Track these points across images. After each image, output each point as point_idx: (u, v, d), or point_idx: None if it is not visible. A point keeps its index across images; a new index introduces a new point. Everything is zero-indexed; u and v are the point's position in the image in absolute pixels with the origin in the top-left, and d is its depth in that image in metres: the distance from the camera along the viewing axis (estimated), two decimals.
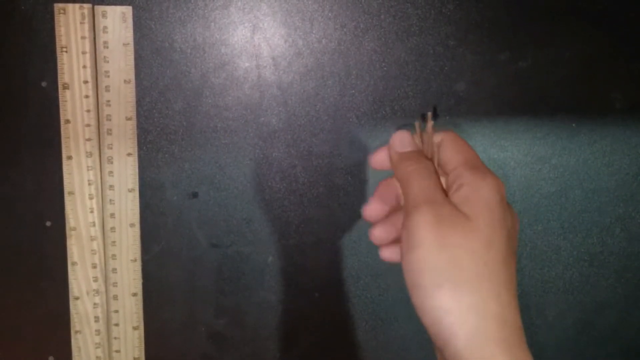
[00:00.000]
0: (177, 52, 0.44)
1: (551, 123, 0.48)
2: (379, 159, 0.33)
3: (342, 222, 0.48)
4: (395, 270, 0.49)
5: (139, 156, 0.45)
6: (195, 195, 0.46)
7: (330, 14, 0.45)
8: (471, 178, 0.29)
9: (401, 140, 0.32)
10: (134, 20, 0.43)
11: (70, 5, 0.43)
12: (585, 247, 0.50)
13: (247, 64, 0.45)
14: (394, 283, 0.49)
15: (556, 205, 0.49)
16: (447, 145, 0.31)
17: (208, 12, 0.44)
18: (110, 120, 0.44)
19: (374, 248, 0.48)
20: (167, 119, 0.45)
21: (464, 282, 0.26)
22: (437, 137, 0.32)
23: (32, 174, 0.45)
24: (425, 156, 0.32)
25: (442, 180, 0.32)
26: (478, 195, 0.28)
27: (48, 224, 0.46)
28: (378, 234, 0.34)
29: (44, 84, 0.44)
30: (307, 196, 0.47)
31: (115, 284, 0.46)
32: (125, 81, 0.44)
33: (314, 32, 0.45)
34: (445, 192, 0.29)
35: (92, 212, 0.45)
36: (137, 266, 0.46)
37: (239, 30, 0.44)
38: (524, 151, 0.48)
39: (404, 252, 0.28)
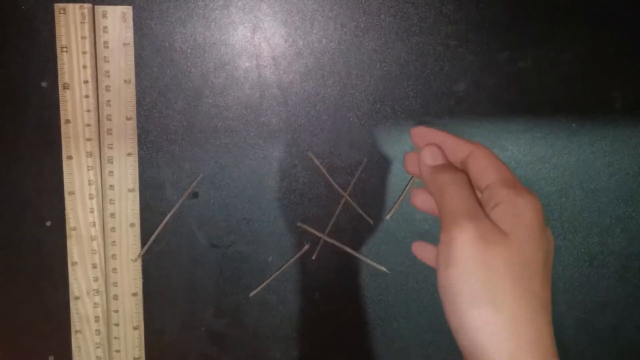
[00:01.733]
0: (177, 52, 0.44)
1: (551, 123, 0.48)
2: (410, 163, 0.33)
3: (342, 222, 0.48)
4: (395, 270, 0.49)
5: (139, 156, 0.45)
6: (195, 195, 0.46)
7: (330, 14, 0.45)
8: (509, 196, 0.28)
9: (432, 153, 0.31)
10: (134, 20, 0.43)
11: (70, 5, 0.43)
12: (585, 247, 0.50)
13: (247, 64, 0.45)
14: (394, 283, 0.49)
15: (556, 205, 0.49)
16: (478, 160, 0.30)
17: (208, 12, 0.44)
18: (110, 120, 0.44)
19: (374, 248, 0.48)
20: (168, 118, 0.45)
21: (503, 304, 0.25)
22: (465, 149, 0.31)
23: (32, 174, 0.45)
24: (458, 168, 0.31)
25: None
26: (517, 214, 0.27)
27: (48, 224, 0.46)
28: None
29: (44, 84, 0.44)
30: (307, 196, 0.47)
31: (115, 284, 0.46)
32: (125, 81, 0.44)
33: (314, 32, 0.45)
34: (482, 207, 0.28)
35: (92, 212, 0.45)
36: (137, 266, 0.46)
37: (239, 30, 0.44)
38: (524, 151, 0.48)
39: (441, 268, 0.27)
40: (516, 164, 0.48)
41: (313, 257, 0.48)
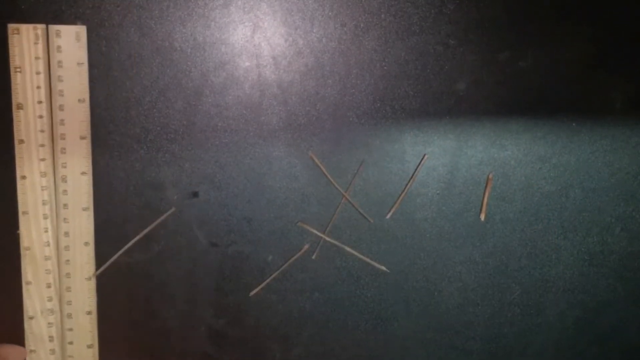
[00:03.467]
0: (177, 52, 0.44)
1: (551, 122, 0.48)
2: None
3: (342, 222, 0.48)
4: (395, 270, 0.49)
5: (140, 155, 0.45)
6: (195, 194, 0.46)
7: (330, 13, 0.45)
8: None
9: None
10: (134, 20, 0.43)
11: (24, 26, 0.42)
12: (585, 246, 0.50)
13: (247, 63, 0.45)
14: (394, 283, 0.49)
15: (556, 204, 0.49)
16: None
17: (208, 11, 0.44)
18: (64, 139, 0.44)
19: (374, 247, 0.48)
20: (168, 118, 0.45)
21: None
22: None
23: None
24: None
25: None
26: None
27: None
28: None
29: None
30: (307, 196, 0.47)
31: (69, 302, 0.46)
32: (79, 100, 0.43)
33: (314, 31, 0.45)
34: None
35: (46, 231, 0.45)
36: (92, 285, 0.46)
37: (239, 30, 0.44)
38: (524, 150, 0.48)
39: None
40: (516, 164, 0.48)
41: (313, 257, 0.48)
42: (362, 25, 0.45)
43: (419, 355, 0.50)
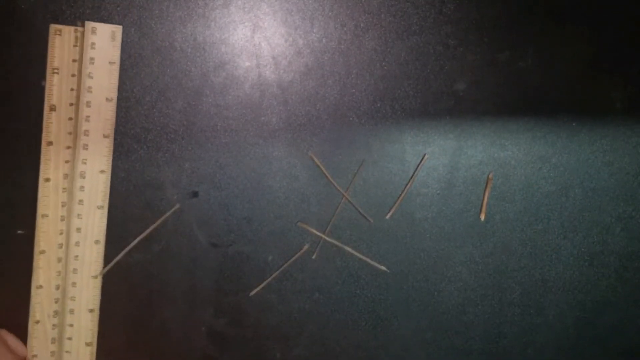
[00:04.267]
0: (177, 52, 0.44)
1: (551, 122, 0.48)
2: None
3: (342, 222, 0.48)
4: (395, 270, 0.49)
5: (140, 155, 0.45)
6: (195, 194, 0.46)
7: (330, 13, 0.45)
8: None
9: None
10: (134, 19, 0.43)
11: (66, 27, 0.42)
12: (585, 246, 0.50)
13: (247, 63, 0.45)
14: (394, 283, 0.49)
15: (556, 204, 0.49)
16: None
17: (208, 11, 0.44)
18: (87, 136, 0.44)
19: (374, 247, 0.48)
20: (168, 118, 0.45)
21: None
22: None
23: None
24: None
25: None
26: None
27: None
28: None
29: (43, 83, 0.43)
30: (307, 196, 0.47)
31: (73, 298, 0.46)
32: (107, 99, 0.43)
33: (314, 31, 0.45)
34: None
35: (61, 234, 0.44)
36: (97, 283, 0.46)
37: (240, 30, 0.44)
38: (524, 150, 0.48)
39: None
40: (516, 163, 0.48)
41: (313, 257, 0.48)
42: (362, 25, 0.45)
43: (418, 355, 0.50)
